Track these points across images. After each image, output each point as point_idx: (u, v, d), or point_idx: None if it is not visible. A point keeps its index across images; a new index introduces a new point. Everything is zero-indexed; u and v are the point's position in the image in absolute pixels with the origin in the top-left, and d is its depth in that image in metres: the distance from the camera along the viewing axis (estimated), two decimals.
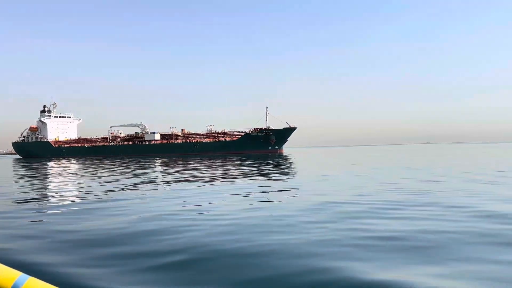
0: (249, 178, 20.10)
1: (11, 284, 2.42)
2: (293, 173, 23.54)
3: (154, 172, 27.58)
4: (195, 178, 20.48)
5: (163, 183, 18.41)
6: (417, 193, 12.34)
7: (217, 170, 27.63)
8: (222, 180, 19.25)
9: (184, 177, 21.57)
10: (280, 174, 22.82)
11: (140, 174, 24.95)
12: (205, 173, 24.79)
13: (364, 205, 10.12)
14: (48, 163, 55.91)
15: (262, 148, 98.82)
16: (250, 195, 12.93)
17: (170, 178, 21.66)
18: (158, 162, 48.35)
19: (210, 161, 45.13)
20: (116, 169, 32.79)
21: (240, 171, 25.65)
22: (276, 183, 17.41)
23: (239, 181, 18.16)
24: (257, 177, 20.35)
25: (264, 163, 37.81)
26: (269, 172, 24.65)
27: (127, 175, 24.65)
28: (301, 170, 26.75)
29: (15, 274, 2.50)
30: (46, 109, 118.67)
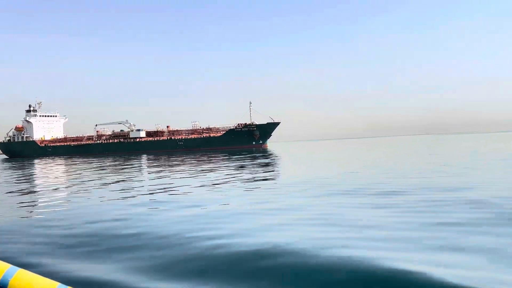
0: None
1: (1, 276, 2.43)
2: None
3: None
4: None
5: None
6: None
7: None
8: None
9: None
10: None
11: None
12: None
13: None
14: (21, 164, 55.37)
15: (246, 143, 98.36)
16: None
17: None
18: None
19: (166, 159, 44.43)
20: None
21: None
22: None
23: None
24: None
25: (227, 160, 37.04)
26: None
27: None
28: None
29: (5, 266, 2.49)
30: (31, 108, 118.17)
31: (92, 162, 45.57)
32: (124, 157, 60.94)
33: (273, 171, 20.74)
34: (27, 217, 9.36)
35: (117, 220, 8.14)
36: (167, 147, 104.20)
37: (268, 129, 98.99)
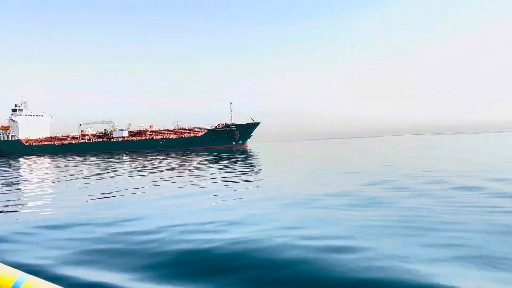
0: None
1: (12, 283, 2.44)
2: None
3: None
4: None
5: None
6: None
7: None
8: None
9: None
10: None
11: None
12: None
13: None
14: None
15: (226, 143, 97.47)
16: None
17: None
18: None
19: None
20: None
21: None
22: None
23: None
24: None
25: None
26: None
27: None
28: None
29: (15, 274, 2.51)
30: (17, 107, 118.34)
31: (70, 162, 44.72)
32: (105, 157, 59.99)
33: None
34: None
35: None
36: (148, 147, 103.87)
37: (248, 129, 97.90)
